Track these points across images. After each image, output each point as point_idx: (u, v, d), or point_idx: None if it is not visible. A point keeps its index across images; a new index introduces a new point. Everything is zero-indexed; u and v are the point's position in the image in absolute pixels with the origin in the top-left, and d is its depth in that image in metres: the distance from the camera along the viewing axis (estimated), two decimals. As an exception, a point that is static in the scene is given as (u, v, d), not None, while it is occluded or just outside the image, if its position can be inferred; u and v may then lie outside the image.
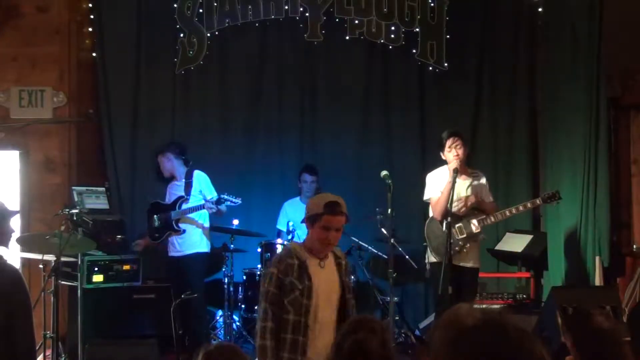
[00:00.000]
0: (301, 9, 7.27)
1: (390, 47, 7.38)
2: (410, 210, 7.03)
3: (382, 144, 7.53)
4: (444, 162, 5.80)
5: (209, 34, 7.33)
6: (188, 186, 6.57)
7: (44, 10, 6.92)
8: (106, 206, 6.69)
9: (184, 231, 6.54)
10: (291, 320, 3.65)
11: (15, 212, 4.71)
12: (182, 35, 7.33)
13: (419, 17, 7.33)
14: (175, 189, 6.68)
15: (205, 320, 6.68)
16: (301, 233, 6.62)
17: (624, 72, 6.78)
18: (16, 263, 6.39)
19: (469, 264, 5.69)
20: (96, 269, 6.03)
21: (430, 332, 3.17)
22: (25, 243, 5.62)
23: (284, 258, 3.78)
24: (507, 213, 5.75)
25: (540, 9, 7.24)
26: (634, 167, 6.91)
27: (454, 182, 5.51)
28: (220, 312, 6.76)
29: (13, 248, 4.98)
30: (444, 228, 5.67)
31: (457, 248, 5.65)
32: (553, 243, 6.81)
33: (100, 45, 7.25)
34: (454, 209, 5.62)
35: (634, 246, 6.72)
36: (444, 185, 5.67)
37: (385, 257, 6.15)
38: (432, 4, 7.33)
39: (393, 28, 7.33)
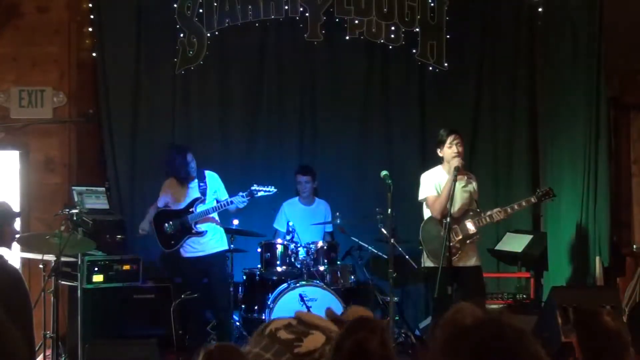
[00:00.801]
0: (301, 9, 7.27)
1: (390, 47, 7.39)
2: (410, 210, 7.03)
3: (382, 144, 7.53)
4: (442, 162, 5.78)
5: (209, 34, 7.33)
6: (203, 187, 6.53)
7: (44, 10, 6.92)
8: (106, 206, 6.69)
9: (206, 232, 6.48)
10: None
11: (18, 214, 4.73)
12: (182, 35, 7.33)
13: (419, 17, 7.33)
14: (188, 191, 6.56)
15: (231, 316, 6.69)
16: (301, 233, 6.64)
17: (624, 72, 6.78)
18: (16, 263, 6.41)
19: (470, 263, 5.66)
20: (96, 269, 6.03)
21: (430, 332, 3.17)
22: (25, 243, 5.62)
23: None
24: (502, 213, 5.63)
25: (540, 9, 7.25)
26: (634, 167, 6.91)
27: (455, 181, 5.49)
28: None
29: (13, 248, 4.99)
30: (442, 228, 5.68)
31: (453, 250, 5.64)
32: (553, 243, 6.82)
33: (100, 45, 7.25)
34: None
35: (634, 246, 6.73)
36: (442, 184, 5.66)
37: (385, 257, 6.15)
38: (432, 4, 7.33)
39: (393, 28, 7.33)
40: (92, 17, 7.22)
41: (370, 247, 6.80)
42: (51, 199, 6.79)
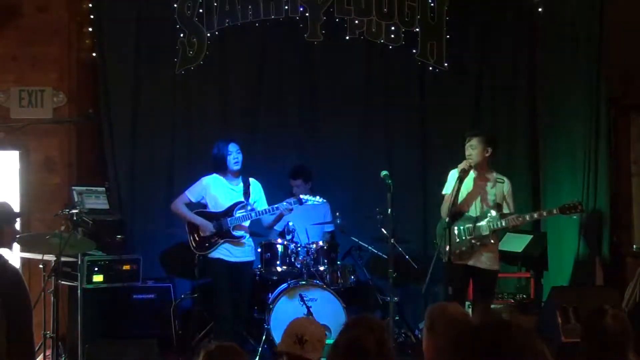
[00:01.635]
0: (301, 9, 7.27)
1: (390, 47, 7.38)
2: (411, 210, 7.04)
3: (382, 143, 7.53)
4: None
5: (209, 34, 7.32)
6: (247, 192, 6.25)
7: (44, 10, 6.92)
8: (106, 206, 6.69)
9: (243, 237, 6.28)
10: None
11: (19, 214, 4.73)
12: (182, 35, 7.32)
13: (419, 17, 7.33)
14: (229, 193, 6.20)
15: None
16: (301, 233, 6.64)
17: (624, 72, 6.79)
18: (16, 263, 6.41)
19: (482, 266, 5.60)
20: (96, 269, 6.03)
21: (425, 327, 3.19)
22: (25, 243, 5.62)
23: None
24: (520, 219, 5.59)
25: (540, 9, 7.25)
26: (634, 167, 6.91)
27: (460, 183, 5.48)
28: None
29: (14, 248, 4.99)
30: (455, 231, 5.68)
31: (464, 248, 5.62)
32: (553, 243, 6.82)
33: (100, 45, 7.25)
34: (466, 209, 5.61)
35: (634, 246, 6.73)
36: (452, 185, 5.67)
37: (385, 257, 6.15)
38: (432, 4, 7.33)
39: (393, 28, 7.33)
40: (92, 17, 7.22)
41: (370, 247, 6.80)
42: (51, 199, 6.79)
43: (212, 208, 6.20)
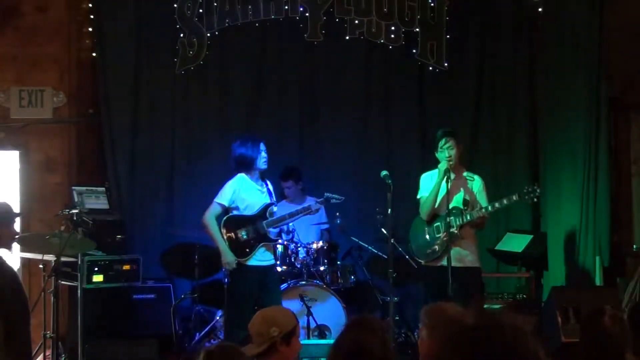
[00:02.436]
0: (301, 9, 7.27)
1: (390, 47, 7.38)
2: (411, 210, 7.03)
3: (382, 144, 7.53)
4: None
5: (209, 34, 7.32)
6: (269, 191, 6.05)
7: (44, 10, 6.93)
8: (106, 206, 6.69)
9: (279, 239, 6.20)
10: None
11: (18, 214, 4.73)
12: (182, 35, 7.32)
13: (419, 17, 7.33)
14: (258, 194, 5.94)
15: None
16: (301, 233, 6.64)
17: (624, 72, 6.79)
18: (16, 263, 6.41)
19: (459, 264, 5.58)
20: (96, 269, 6.02)
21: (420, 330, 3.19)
22: (25, 243, 5.62)
23: None
24: (483, 211, 5.61)
25: (540, 9, 7.24)
26: (634, 167, 6.91)
27: (441, 184, 5.51)
28: (220, 312, 6.75)
29: (13, 249, 4.99)
30: (426, 230, 5.75)
31: (436, 247, 5.64)
32: (553, 243, 6.82)
33: (100, 45, 7.25)
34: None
35: (634, 246, 6.73)
36: (432, 185, 5.68)
37: (385, 257, 6.16)
38: (432, 4, 7.33)
39: (393, 28, 7.33)
40: (92, 17, 7.21)
41: (370, 247, 6.80)
42: (51, 199, 6.80)
43: (243, 210, 5.88)
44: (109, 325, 6.06)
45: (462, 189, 5.75)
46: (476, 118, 7.53)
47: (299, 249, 6.52)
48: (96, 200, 6.62)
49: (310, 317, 6.23)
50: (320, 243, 6.67)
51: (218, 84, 7.49)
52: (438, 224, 5.67)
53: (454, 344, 1.43)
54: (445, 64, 7.38)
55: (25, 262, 6.53)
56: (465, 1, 7.46)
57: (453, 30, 7.37)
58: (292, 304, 6.13)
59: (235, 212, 5.87)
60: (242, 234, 5.83)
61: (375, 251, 6.78)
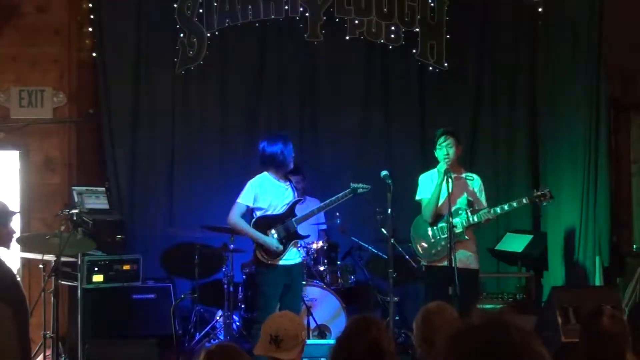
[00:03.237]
0: (301, 9, 7.27)
1: (390, 47, 7.39)
2: (411, 210, 7.02)
3: (382, 144, 7.53)
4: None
5: (209, 34, 7.33)
6: (294, 188, 5.92)
7: (44, 10, 6.92)
8: (106, 206, 6.69)
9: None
10: None
11: (15, 212, 4.72)
12: (182, 35, 7.33)
13: (419, 17, 7.33)
14: (282, 192, 5.77)
15: None
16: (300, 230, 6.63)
17: (624, 72, 6.79)
18: (16, 263, 6.41)
19: (460, 265, 5.54)
20: (96, 269, 6.02)
21: (415, 332, 3.19)
22: (25, 243, 5.61)
23: None
24: (492, 213, 5.61)
25: (540, 9, 7.25)
26: (634, 167, 6.91)
27: (442, 184, 5.51)
28: (220, 312, 6.76)
29: (13, 248, 4.99)
30: (429, 231, 5.75)
31: (439, 248, 5.66)
32: (553, 243, 6.82)
33: (100, 45, 7.25)
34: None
35: (634, 246, 6.73)
36: (434, 186, 5.68)
37: (385, 257, 6.16)
38: (432, 4, 7.33)
39: (393, 28, 7.33)
40: (92, 17, 7.22)
41: (370, 247, 6.80)
42: (51, 199, 6.79)
43: (266, 208, 5.73)
44: (109, 325, 6.06)
45: (463, 190, 5.76)
46: (476, 118, 7.54)
47: (300, 249, 6.51)
48: (96, 200, 6.62)
49: (310, 317, 6.23)
50: (320, 243, 6.68)
51: (218, 84, 7.49)
52: (442, 224, 5.65)
53: (457, 344, 1.43)
54: (445, 64, 7.38)
55: (25, 262, 6.52)
56: (465, 1, 7.47)
57: (453, 30, 7.38)
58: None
59: (261, 213, 5.74)
60: (273, 235, 5.69)
61: (375, 251, 6.78)
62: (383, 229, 6.38)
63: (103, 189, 6.78)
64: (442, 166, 5.58)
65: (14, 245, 5.00)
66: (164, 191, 7.45)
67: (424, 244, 5.80)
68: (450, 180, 5.51)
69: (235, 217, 5.69)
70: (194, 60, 7.33)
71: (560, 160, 6.88)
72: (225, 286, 6.54)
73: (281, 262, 5.68)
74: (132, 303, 6.34)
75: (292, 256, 5.77)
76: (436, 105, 7.54)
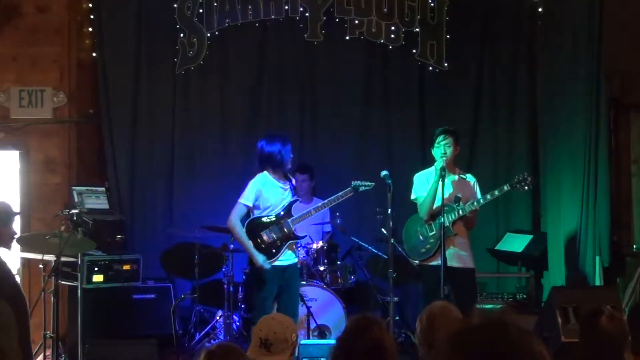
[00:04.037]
0: (301, 9, 7.27)
1: (390, 47, 7.39)
2: (411, 210, 7.03)
3: (382, 144, 7.53)
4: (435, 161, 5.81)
5: (209, 34, 7.33)
6: (294, 188, 5.90)
7: (44, 10, 6.92)
8: (106, 206, 6.69)
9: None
10: None
11: (17, 213, 4.73)
12: (182, 35, 7.33)
13: (419, 17, 7.33)
14: (280, 192, 5.76)
15: None
16: (301, 233, 6.63)
17: (624, 72, 6.79)
18: (16, 263, 6.41)
19: (455, 265, 5.60)
20: (96, 269, 6.03)
21: (417, 331, 3.20)
22: (25, 243, 5.62)
23: None
24: (475, 204, 5.62)
25: (540, 9, 7.25)
26: (634, 167, 6.92)
27: (439, 182, 5.51)
28: (220, 312, 6.77)
29: (13, 248, 4.99)
30: (421, 227, 5.76)
31: (428, 246, 5.67)
32: (553, 243, 6.82)
33: (100, 45, 7.25)
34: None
35: (634, 246, 6.73)
36: (430, 185, 5.69)
37: (385, 257, 6.16)
38: (432, 4, 7.33)
39: (393, 28, 7.33)
40: (92, 17, 7.22)
41: (370, 247, 6.80)
42: (51, 199, 6.79)
43: (263, 208, 5.72)
44: (109, 325, 6.06)
45: (463, 189, 5.76)
46: (476, 118, 7.53)
47: (299, 249, 6.51)
48: (96, 200, 6.63)
49: (310, 317, 6.23)
50: (320, 243, 6.67)
51: (218, 84, 7.49)
52: (430, 222, 5.70)
53: (457, 344, 1.43)
54: (445, 64, 7.38)
55: (25, 262, 6.53)
56: (465, 1, 7.47)
57: (453, 30, 7.37)
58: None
59: (258, 213, 5.74)
60: (267, 236, 5.69)
61: (375, 251, 6.78)
62: (383, 229, 6.38)
63: (103, 189, 6.78)
64: (439, 164, 5.58)
65: (14, 246, 5.00)
66: (164, 191, 7.45)
67: (413, 243, 5.83)
68: (445, 178, 5.51)
69: (234, 219, 5.68)
70: (194, 60, 7.33)
71: (560, 160, 6.88)
72: (225, 286, 6.54)
73: (275, 263, 5.66)
74: (132, 303, 6.34)
75: (287, 257, 5.77)
76: (436, 105, 7.54)
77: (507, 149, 7.53)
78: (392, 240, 5.69)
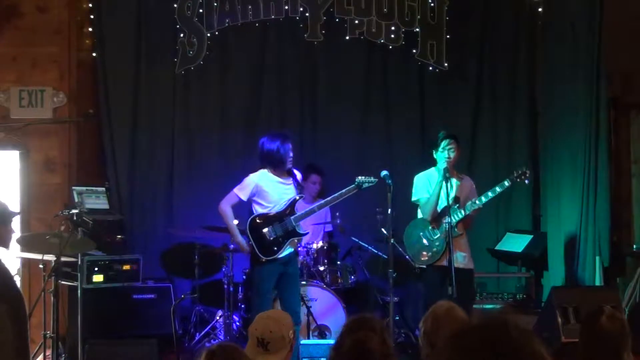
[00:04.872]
0: (301, 9, 7.27)
1: (390, 47, 7.39)
2: (411, 210, 7.03)
3: (382, 144, 7.54)
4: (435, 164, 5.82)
5: (209, 34, 7.33)
6: (297, 185, 5.89)
7: (44, 10, 6.92)
8: (106, 206, 6.69)
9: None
10: None
11: (16, 213, 4.72)
12: (182, 35, 7.33)
13: (419, 17, 7.34)
14: (281, 189, 5.79)
15: None
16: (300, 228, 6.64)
17: (624, 72, 6.79)
18: (16, 263, 6.41)
19: (456, 265, 5.59)
20: (96, 269, 6.02)
21: (421, 332, 3.19)
22: (25, 243, 5.61)
23: None
24: (477, 203, 5.66)
25: (540, 9, 7.26)
26: (634, 167, 6.91)
27: (443, 184, 5.53)
28: (220, 312, 6.77)
29: (13, 248, 4.99)
30: (422, 236, 5.78)
31: (435, 249, 5.69)
32: (553, 243, 6.82)
33: (100, 45, 7.25)
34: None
35: (634, 246, 6.73)
36: (433, 186, 5.70)
37: (385, 257, 6.16)
38: (432, 4, 7.33)
39: (393, 28, 7.33)
40: (92, 17, 7.22)
41: (370, 247, 6.80)
42: (51, 199, 6.79)
43: (265, 205, 5.76)
44: (109, 325, 6.05)
45: (465, 191, 5.81)
46: (476, 118, 7.54)
47: (299, 249, 6.51)
48: (96, 200, 6.62)
49: (310, 317, 6.23)
50: (320, 243, 6.68)
51: (218, 84, 7.49)
52: (433, 224, 5.72)
53: (457, 344, 1.43)
54: (445, 64, 7.38)
55: (25, 262, 6.52)
56: (465, 1, 7.47)
57: (453, 30, 7.38)
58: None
59: (261, 211, 5.78)
60: (269, 234, 5.71)
61: (375, 251, 6.78)
62: (383, 229, 6.38)
63: (103, 189, 6.78)
64: (443, 165, 5.62)
65: (14, 246, 5.00)
66: (164, 191, 7.45)
67: (418, 250, 5.82)
68: (449, 179, 5.55)
69: (225, 205, 5.79)
70: (194, 60, 7.33)
71: (560, 160, 6.88)
72: (225, 286, 6.54)
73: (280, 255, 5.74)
74: (132, 303, 6.34)
75: (286, 251, 5.81)
76: (436, 105, 7.54)
77: (507, 148, 7.53)
78: (392, 240, 5.69)
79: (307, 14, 7.28)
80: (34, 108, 6.91)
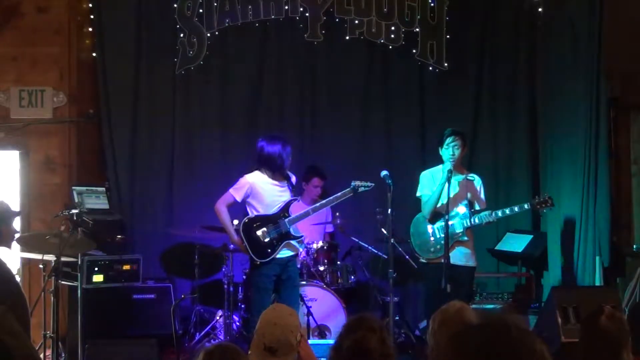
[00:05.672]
0: (301, 9, 7.27)
1: (390, 47, 7.39)
2: (411, 210, 7.03)
3: (382, 143, 7.54)
4: (442, 162, 5.82)
5: (209, 34, 7.33)
6: (292, 187, 5.89)
7: (44, 10, 6.92)
8: (106, 206, 6.69)
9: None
10: None
11: (17, 213, 4.73)
12: (182, 35, 7.33)
13: (419, 17, 7.34)
14: (276, 191, 5.80)
15: None
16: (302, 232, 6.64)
17: (624, 72, 6.78)
18: (16, 263, 6.41)
19: (457, 262, 5.69)
20: (96, 269, 6.02)
21: (429, 329, 3.18)
22: (25, 243, 5.61)
23: None
24: (493, 216, 5.70)
25: (540, 9, 7.26)
26: (634, 167, 6.91)
27: (446, 183, 5.54)
28: (219, 312, 6.77)
29: (13, 248, 4.99)
30: (430, 230, 5.83)
31: (438, 246, 5.70)
32: (553, 243, 6.82)
33: (100, 45, 7.25)
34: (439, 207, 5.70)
35: (634, 246, 6.73)
36: (436, 185, 5.72)
37: (385, 257, 6.16)
38: (432, 4, 7.33)
39: (393, 28, 7.33)
40: (92, 17, 7.22)
41: (370, 247, 6.80)
42: (51, 199, 6.79)
43: (258, 207, 5.78)
44: (109, 325, 6.05)
45: (467, 191, 5.81)
46: (476, 118, 7.54)
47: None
48: (96, 200, 6.62)
49: (310, 317, 6.23)
50: (320, 243, 6.68)
51: (218, 84, 7.49)
52: (442, 223, 5.71)
53: (458, 344, 1.43)
54: (445, 64, 7.38)
55: (25, 262, 6.52)
56: (465, 1, 7.47)
57: (453, 30, 7.38)
58: (292, 304, 6.14)
59: (254, 212, 5.80)
60: (264, 235, 5.72)
61: (375, 251, 6.78)
62: (383, 229, 6.38)
63: (103, 189, 6.77)
64: (447, 166, 5.64)
65: (14, 245, 5.00)
66: (164, 191, 7.45)
67: (423, 240, 5.86)
68: (451, 180, 5.56)
69: (221, 204, 5.81)
70: (194, 60, 7.33)
71: (560, 160, 6.88)
72: (225, 286, 6.54)
73: (278, 255, 5.75)
74: (132, 303, 6.34)
75: (284, 252, 5.82)
76: (436, 105, 7.54)
77: (507, 148, 7.54)
78: (392, 240, 5.70)
79: (307, 14, 7.28)
80: (34, 108, 6.92)
